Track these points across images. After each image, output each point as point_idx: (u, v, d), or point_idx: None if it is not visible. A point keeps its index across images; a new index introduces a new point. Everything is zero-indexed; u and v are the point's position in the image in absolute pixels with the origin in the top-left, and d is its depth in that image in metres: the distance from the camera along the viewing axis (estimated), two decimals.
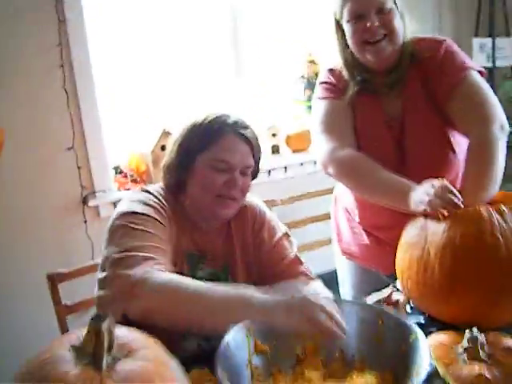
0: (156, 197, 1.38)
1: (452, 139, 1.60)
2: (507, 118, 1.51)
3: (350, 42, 1.59)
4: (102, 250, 1.30)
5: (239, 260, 1.49)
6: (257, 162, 1.47)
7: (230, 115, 1.41)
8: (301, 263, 1.50)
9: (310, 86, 3.09)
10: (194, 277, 1.26)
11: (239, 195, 1.41)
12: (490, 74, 2.97)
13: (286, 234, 1.55)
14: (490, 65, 2.96)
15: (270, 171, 2.95)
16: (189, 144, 1.40)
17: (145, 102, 2.84)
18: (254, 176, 1.50)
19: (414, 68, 1.61)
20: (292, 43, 3.16)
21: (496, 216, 1.22)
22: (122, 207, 1.34)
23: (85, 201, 2.57)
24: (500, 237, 1.19)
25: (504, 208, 1.23)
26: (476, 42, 2.93)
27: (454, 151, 1.61)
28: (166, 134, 2.65)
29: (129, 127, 2.83)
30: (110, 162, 2.70)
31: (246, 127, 1.42)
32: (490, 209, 1.23)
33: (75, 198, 2.57)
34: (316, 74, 3.06)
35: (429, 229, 1.29)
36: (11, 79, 2.35)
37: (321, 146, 1.65)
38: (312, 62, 3.11)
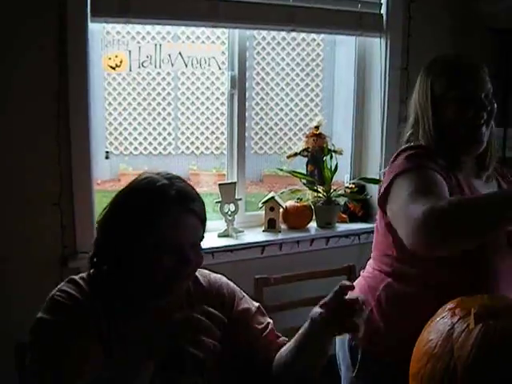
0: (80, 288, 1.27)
1: None
2: None
3: (453, 120, 1.59)
4: None
5: None
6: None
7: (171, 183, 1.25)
8: (278, 337, 1.45)
9: (314, 160, 2.97)
10: None
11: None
12: None
13: (259, 309, 1.47)
14: None
15: (264, 247, 2.76)
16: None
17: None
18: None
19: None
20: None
21: None
22: (38, 317, 1.23)
23: (65, 262, 2.38)
24: None
25: None
26: None
27: None
28: None
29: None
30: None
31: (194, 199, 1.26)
32: None
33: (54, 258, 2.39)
34: (322, 149, 2.95)
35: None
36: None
37: (411, 214, 1.36)
38: (319, 135, 2.98)
